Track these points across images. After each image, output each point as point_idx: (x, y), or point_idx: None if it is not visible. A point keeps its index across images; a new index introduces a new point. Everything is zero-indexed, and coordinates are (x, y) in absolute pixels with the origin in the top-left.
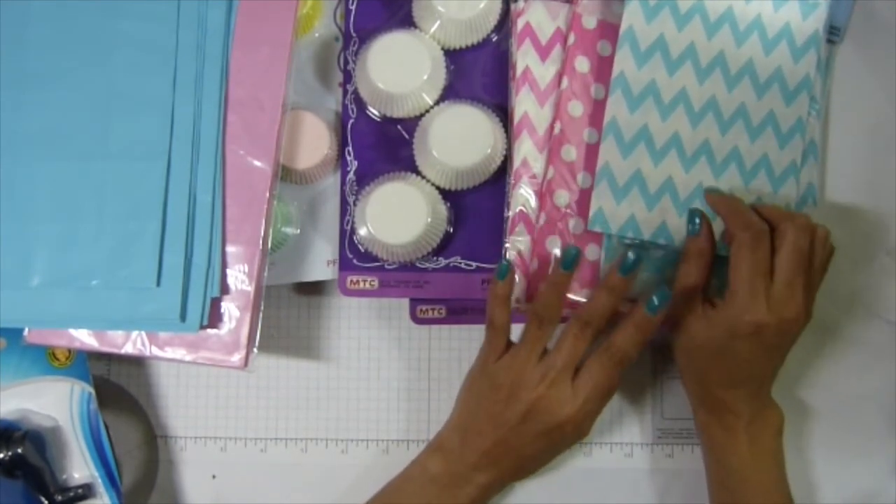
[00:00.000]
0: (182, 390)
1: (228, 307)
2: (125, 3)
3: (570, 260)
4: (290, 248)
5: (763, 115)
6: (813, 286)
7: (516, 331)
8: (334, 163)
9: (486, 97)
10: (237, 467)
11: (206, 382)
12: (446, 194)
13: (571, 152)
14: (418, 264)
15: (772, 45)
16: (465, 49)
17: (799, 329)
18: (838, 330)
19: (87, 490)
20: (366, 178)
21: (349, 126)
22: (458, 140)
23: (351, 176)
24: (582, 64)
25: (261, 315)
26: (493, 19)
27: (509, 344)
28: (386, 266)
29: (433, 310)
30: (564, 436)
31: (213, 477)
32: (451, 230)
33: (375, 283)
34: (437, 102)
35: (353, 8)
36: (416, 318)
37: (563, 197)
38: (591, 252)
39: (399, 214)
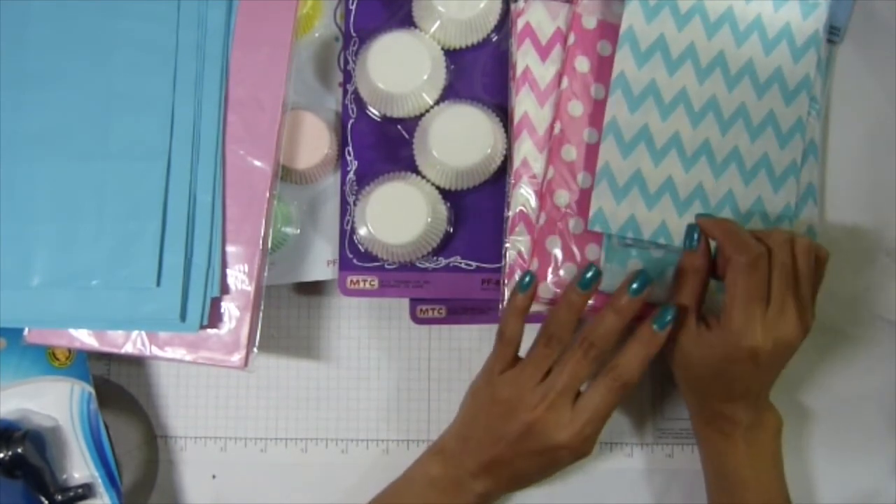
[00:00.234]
0: (182, 390)
1: (228, 307)
2: (125, 3)
3: (589, 281)
4: (290, 248)
5: (763, 114)
6: (805, 298)
7: (526, 334)
8: (334, 163)
9: (486, 97)
10: (237, 467)
11: (206, 382)
12: (446, 194)
13: (571, 152)
14: (418, 264)
15: (772, 45)
16: (465, 49)
17: (796, 346)
18: (839, 331)
19: (87, 490)
20: (366, 178)
21: (349, 126)
22: (458, 140)
23: (351, 176)
24: (582, 64)
25: (261, 315)
26: (493, 19)
27: (517, 357)
28: (386, 266)
29: (433, 310)
30: (561, 458)
31: (213, 477)
32: (451, 230)
33: (375, 283)
34: (437, 102)
35: (353, 8)
36: (416, 318)
37: (564, 197)
38: (591, 252)
39: (399, 214)
